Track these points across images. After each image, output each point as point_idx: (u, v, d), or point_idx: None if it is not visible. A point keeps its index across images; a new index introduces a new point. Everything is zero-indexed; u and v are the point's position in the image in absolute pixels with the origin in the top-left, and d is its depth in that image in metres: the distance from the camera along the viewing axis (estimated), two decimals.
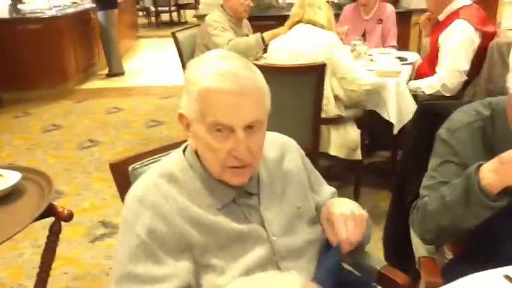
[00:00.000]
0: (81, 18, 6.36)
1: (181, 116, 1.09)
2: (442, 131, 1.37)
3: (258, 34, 3.43)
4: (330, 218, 1.14)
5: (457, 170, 1.31)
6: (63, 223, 1.62)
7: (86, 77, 6.45)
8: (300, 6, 2.73)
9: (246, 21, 3.72)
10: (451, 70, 2.84)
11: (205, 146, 1.05)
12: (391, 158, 3.28)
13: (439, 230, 1.32)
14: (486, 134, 1.30)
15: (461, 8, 2.90)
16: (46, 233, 1.66)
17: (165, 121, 4.75)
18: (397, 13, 4.13)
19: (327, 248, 1.17)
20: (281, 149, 1.24)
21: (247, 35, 3.69)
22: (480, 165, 1.19)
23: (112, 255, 2.46)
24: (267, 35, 3.29)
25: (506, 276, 1.10)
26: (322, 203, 1.28)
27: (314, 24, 2.65)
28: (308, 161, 1.32)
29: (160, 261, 1.02)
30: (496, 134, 1.29)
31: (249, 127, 1.03)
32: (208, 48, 3.17)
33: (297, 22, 2.72)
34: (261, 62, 2.96)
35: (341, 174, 3.14)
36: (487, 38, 2.85)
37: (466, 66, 2.84)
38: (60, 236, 1.67)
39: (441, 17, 2.98)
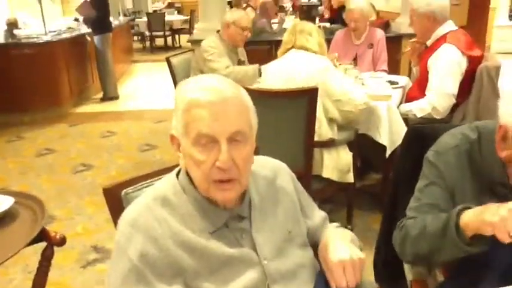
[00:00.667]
0: (77, 43, 6.42)
1: (172, 137, 1.12)
2: (429, 154, 1.39)
3: (256, 66, 3.51)
4: (328, 265, 1.13)
5: (442, 192, 1.33)
6: (55, 247, 1.61)
7: (80, 101, 6.48)
8: (292, 33, 2.79)
9: (241, 48, 3.78)
10: (440, 93, 2.88)
11: (191, 161, 1.07)
12: (382, 181, 3.29)
13: (416, 255, 1.35)
14: (472, 157, 1.32)
15: (447, 33, 2.96)
16: (37, 258, 1.65)
17: (159, 145, 4.76)
18: (388, 38, 4.21)
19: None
20: (272, 172, 1.26)
21: (242, 62, 3.74)
22: (468, 208, 1.20)
23: (103, 280, 2.42)
24: (264, 67, 3.35)
25: None
26: (314, 228, 1.29)
27: (306, 50, 2.70)
28: (299, 185, 1.33)
29: (152, 285, 1.02)
30: (482, 157, 1.30)
31: (233, 139, 1.05)
32: (202, 73, 3.21)
33: (290, 49, 2.76)
34: (255, 86, 2.99)
35: (333, 197, 3.16)
36: (473, 62, 2.91)
37: (454, 89, 2.88)
38: (52, 260, 1.66)
39: (429, 43, 3.05)
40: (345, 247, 1.16)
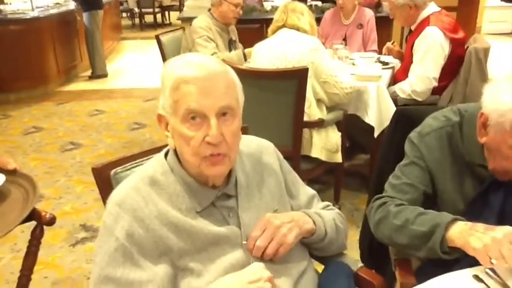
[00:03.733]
0: (65, 20, 6.31)
1: (159, 117, 1.12)
2: (412, 134, 1.43)
3: (240, 51, 3.49)
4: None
5: (422, 173, 1.37)
6: (44, 226, 1.61)
7: (68, 79, 6.40)
8: (283, 11, 2.76)
9: (232, 27, 3.75)
10: (420, 76, 2.94)
11: (181, 139, 1.07)
12: (370, 161, 3.32)
13: (391, 242, 1.38)
14: (454, 139, 1.35)
15: (431, 14, 2.99)
16: (25, 236, 1.64)
17: (148, 124, 4.74)
18: (379, 18, 4.20)
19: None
20: (258, 151, 1.26)
21: (233, 41, 3.71)
22: (457, 220, 1.22)
23: (93, 259, 2.43)
24: (249, 51, 3.33)
25: (475, 276, 1.13)
26: (298, 207, 1.30)
27: (297, 29, 2.69)
28: (286, 164, 1.34)
29: (138, 265, 1.03)
30: (463, 139, 1.33)
31: (222, 114, 1.06)
32: None
33: (280, 27, 2.75)
34: (244, 65, 2.98)
35: (322, 177, 3.18)
36: (456, 44, 2.93)
37: (434, 72, 2.93)
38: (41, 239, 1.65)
39: (413, 27, 3.10)
40: (290, 215, 1.21)
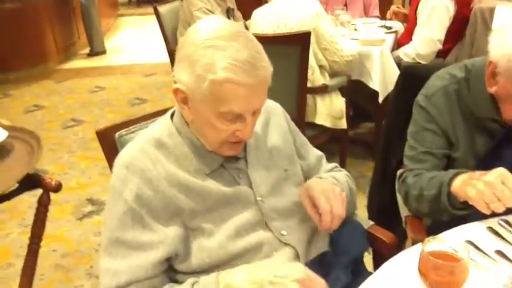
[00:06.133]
0: None
1: (178, 91, 1.04)
2: (419, 98, 1.39)
3: (242, 22, 3.41)
4: (311, 194, 1.11)
5: (436, 137, 1.34)
6: (51, 204, 1.60)
7: (67, 57, 6.33)
8: None
9: None
10: (424, 38, 2.89)
11: (208, 125, 1.04)
12: (375, 128, 3.30)
13: (419, 213, 1.38)
14: (461, 95, 1.32)
15: None
16: (32, 212, 1.63)
17: (149, 99, 4.71)
18: None
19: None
20: (266, 112, 1.24)
21: (231, 9, 3.64)
22: (459, 173, 1.21)
23: (100, 231, 2.46)
24: (249, 22, 3.27)
25: (490, 228, 1.12)
26: (309, 168, 1.29)
27: None
28: (293, 124, 1.32)
29: (149, 227, 1.03)
30: (471, 95, 1.30)
31: (256, 111, 1.06)
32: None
33: None
34: None
35: (327, 145, 3.16)
36: (462, 4, 2.87)
37: (439, 35, 2.88)
38: (48, 214, 1.63)
39: None
40: (325, 182, 1.17)
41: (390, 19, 3.44)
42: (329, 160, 1.40)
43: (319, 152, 1.37)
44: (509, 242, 1.08)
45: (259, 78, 0.99)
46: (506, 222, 1.12)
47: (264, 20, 2.63)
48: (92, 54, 6.49)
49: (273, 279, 0.95)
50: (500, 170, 1.10)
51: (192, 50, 1.00)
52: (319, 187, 1.12)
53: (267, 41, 2.50)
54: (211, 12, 3.41)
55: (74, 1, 6.48)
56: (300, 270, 0.96)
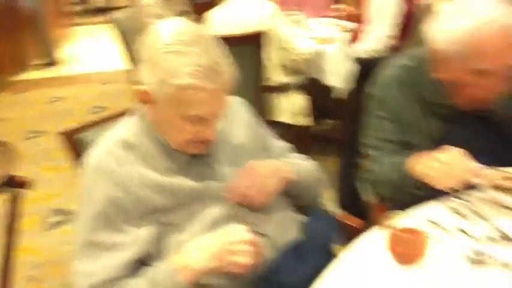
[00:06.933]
0: (9, 7, 6.04)
1: (142, 92, 1.06)
2: (372, 88, 1.44)
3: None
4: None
5: (390, 124, 1.40)
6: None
7: (21, 68, 6.15)
8: None
9: None
10: (377, 35, 2.99)
11: (172, 126, 1.08)
12: (338, 124, 3.40)
13: (383, 197, 1.45)
14: (413, 84, 1.37)
15: None
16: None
17: (109, 106, 4.67)
18: None
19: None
20: (231, 108, 1.27)
21: (186, 12, 3.66)
22: (417, 156, 1.27)
23: (69, 241, 2.43)
24: (210, 14, 3.30)
25: (449, 207, 1.21)
26: (274, 157, 1.33)
27: None
28: (257, 118, 1.36)
29: (120, 228, 1.06)
30: (422, 82, 1.36)
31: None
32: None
33: None
34: None
35: (290, 143, 3.23)
36: (410, 2, 3.01)
37: (391, 31, 2.99)
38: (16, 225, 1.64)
39: None
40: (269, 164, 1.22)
41: (344, 18, 3.56)
42: None
43: (286, 144, 1.42)
44: (468, 219, 1.17)
45: (221, 82, 1.04)
46: (464, 199, 1.21)
47: (223, 21, 2.66)
48: (47, 64, 6.35)
49: (229, 247, 1.00)
50: (455, 150, 1.18)
51: (154, 54, 1.03)
52: (248, 165, 1.17)
53: (225, 42, 2.54)
54: (163, 17, 3.41)
55: (21, 11, 6.31)
56: (246, 231, 1.03)
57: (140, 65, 1.06)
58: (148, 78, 1.05)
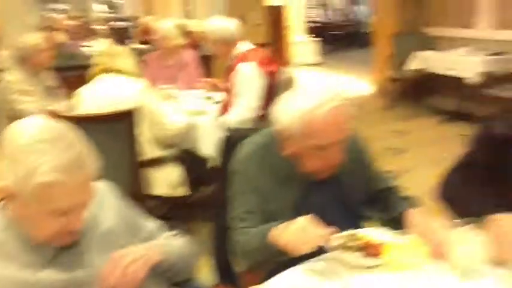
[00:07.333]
0: None
1: (3, 188, 1.05)
2: (233, 163, 1.58)
3: (69, 102, 3.38)
4: None
5: (252, 197, 1.52)
6: None
7: None
8: (105, 56, 2.80)
9: (47, 72, 3.63)
10: (242, 107, 3.22)
11: (36, 222, 1.06)
12: (213, 191, 3.48)
13: (251, 265, 1.55)
14: (268, 158, 1.53)
15: (245, 51, 3.33)
16: None
17: None
18: (201, 56, 4.47)
19: None
20: (98, 195, 1.26)
21: (51, 87, 3.59)
22: (276, 225, 1.39)
23: None
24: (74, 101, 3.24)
25: (307, 269, 1.33)
26: (144, 240, 1.34)
27: (121, 73, 2.73)
28: (126, 201, 1.37)
29: None
30: (275, 157, 1.52)
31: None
32: (13, 115, 3.00)
33: (103, 71, 2.75)
34: (74, 113, 2.90)
35: (169, 214, 3.23)
36: (272, 76, 3.32)
37: (255, 102, 3.24)
38: None
39: (231, 62, 3.40)
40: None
41: (212, 90, 3.76)
42: (172, 228, 1.47)
43: (156, 223, 1.44)
44: (324, 278, 1.30)
45: (83, 176, 1.06)
46: (318, 263, 1.35)
47: (91, 100, 2.66)
48: None
49: None
50: (304, 218, 1.33)
51: (15, 151, 1.02)
52: (114, 256, 1.17)
53: (94, 120, 2.55)
54: (30, 92, 3.30)
55: None
56: None
57: (2, 160, 1.05)
58: (9, 174, 1.03)
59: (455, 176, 1.69)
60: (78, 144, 1.08)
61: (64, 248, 1.14)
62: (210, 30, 3.36)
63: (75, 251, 1.16)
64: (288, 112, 1.41)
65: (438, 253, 1.26)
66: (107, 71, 2.75)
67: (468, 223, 1.21)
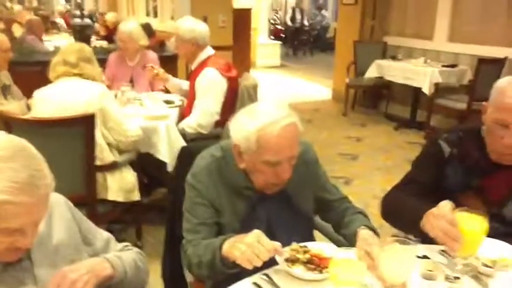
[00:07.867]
0: None
1: None
2: (188, 177, 1.61)
3: (23, 102, 3.32)
4: None
5: (206, 209, 1.57)
6: None
7: None
8: (67, 56, 2.71)
9: (4, 71, 3.53)
10: (203, 111, 3.27)
11: None
12: (168, 195, 3.48)
13: (200, 276, 1.59)
14: (221, 171, 1.58)
15: (208, 58, 3.37)
16: None
17: None
18: (164, 57, 4.45)
19: None
20: (49, 207, 1.22)
21: (8, 86, 3.49)
22: (227, 238, 1.44)
23: None
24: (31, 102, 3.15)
25: (255, 284, 1.36)
26: (95, 253, 1.34)
27: (81, 76, 2.68)
28: (77, 212, 1.36)
29: None
30: (228, 170, 1.58)
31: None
32: None
33: (64, 73, 2.69)
34: (28, 116, 2.83)
35: (122, 216, 3.22)
36: (232, 81, 3.37)
37: (216, 107, 3.30)
38: None
39: (193, 67, 3.43)
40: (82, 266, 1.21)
41: (153, 79, 3.75)
42: (126, 230, 1.48)
43: (107, 235, 1.43)
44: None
45: (39, 196, 1.03)
46: (266, 275, 1.39)
47: (47, 103, 2.60)
48: None
49: None
50: (256, 232, 1.37)
51: None
52: (60, 272, 1.15)
53: (50, 124, 2.50)
54: None
55: None
56: None
57: None
58: None
59: (396, 194, 1.80)
60: (33, 162, 1.05)
61: (13, 263, 1.13)
62: (182, 31, 3.36)
63: (24, 266, 1.15)
64: (242, 128, 1.46)
65: (372, 267, 1.33)
66: (66, 74, 2.68)
67: (403, 241, 1.28)
